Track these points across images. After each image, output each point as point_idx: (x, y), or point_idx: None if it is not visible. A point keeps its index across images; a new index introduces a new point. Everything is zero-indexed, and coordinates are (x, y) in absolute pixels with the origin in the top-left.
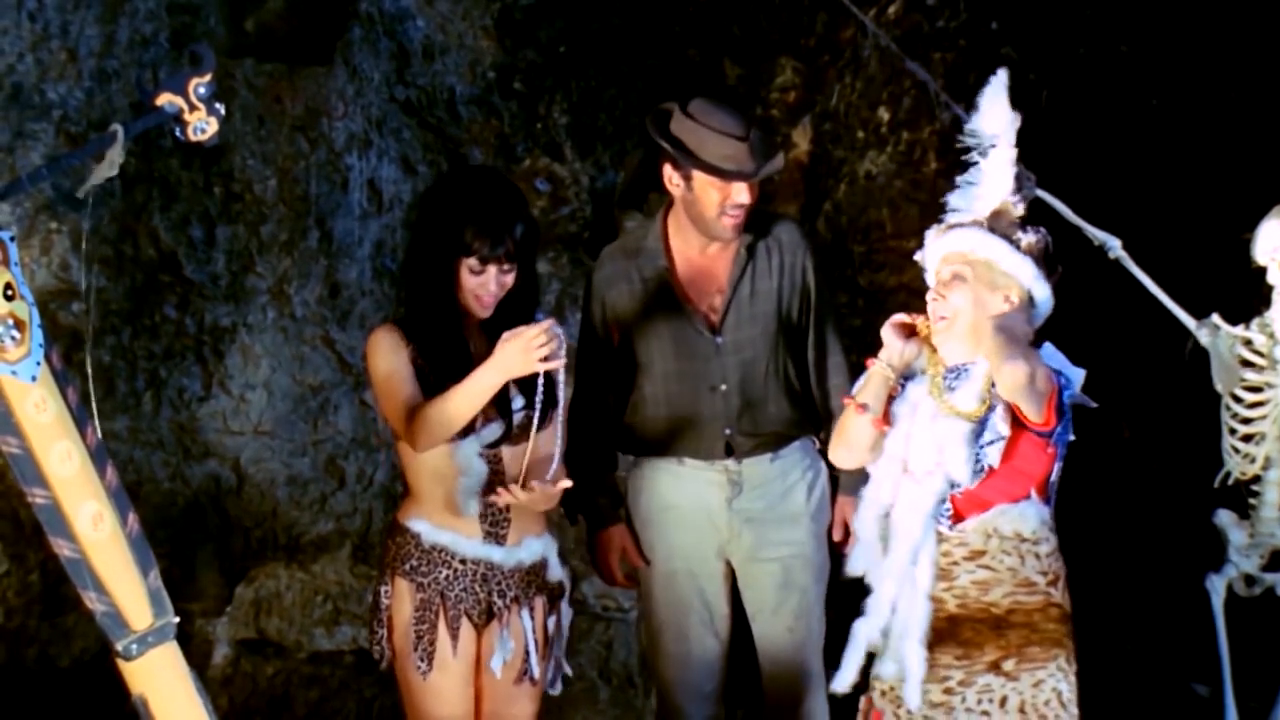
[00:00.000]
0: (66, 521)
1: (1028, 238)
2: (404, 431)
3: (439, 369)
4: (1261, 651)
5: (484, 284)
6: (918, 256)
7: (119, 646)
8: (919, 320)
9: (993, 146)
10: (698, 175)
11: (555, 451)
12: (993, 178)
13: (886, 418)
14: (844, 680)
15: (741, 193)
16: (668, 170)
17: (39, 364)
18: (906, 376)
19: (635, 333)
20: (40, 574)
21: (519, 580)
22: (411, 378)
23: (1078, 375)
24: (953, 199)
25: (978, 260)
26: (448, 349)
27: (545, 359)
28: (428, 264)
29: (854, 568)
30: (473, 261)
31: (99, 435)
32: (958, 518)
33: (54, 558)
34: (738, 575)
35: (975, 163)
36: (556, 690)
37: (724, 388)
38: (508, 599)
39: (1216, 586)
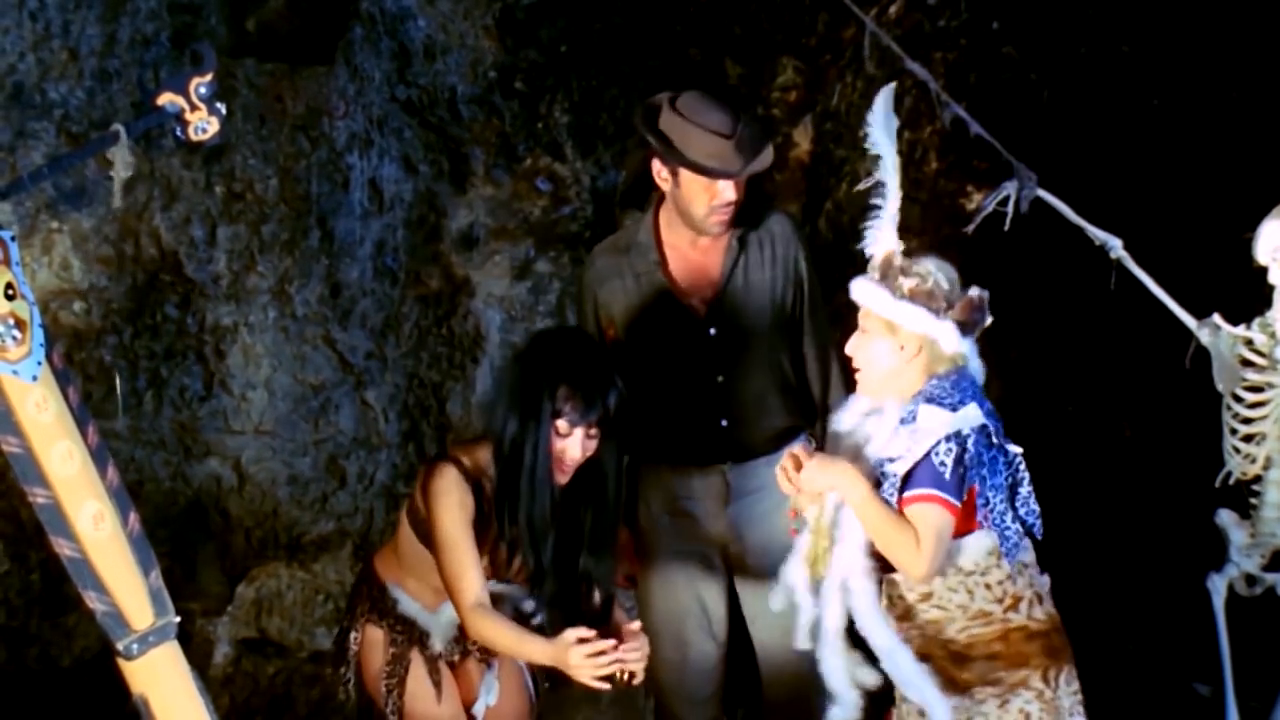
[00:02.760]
0: (67, 521)
1: (909, 283)
2: (460, 609)
3: (510, 529)
4: (1262, 651)
5: (568, 448)
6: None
7: (120, 646)
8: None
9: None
10: (684, 171)
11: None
12: (882, 216)
13: None
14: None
15: (728, 190)
16: (656, 165)
17: (40, 363)
18: None
19: (629, 328)
20: (41, 573)
21: None
22: (472, 542)
23: (964, 419)
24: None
25: (868, 311)
26: (529, 516)
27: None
28: (522, 421)
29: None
30: (562, 424)
31: (100, 435)
32: (888, 566)
33: (55, 557)
34: (736, 580)
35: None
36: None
37: (720, 379)
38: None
39: (1217, 586)
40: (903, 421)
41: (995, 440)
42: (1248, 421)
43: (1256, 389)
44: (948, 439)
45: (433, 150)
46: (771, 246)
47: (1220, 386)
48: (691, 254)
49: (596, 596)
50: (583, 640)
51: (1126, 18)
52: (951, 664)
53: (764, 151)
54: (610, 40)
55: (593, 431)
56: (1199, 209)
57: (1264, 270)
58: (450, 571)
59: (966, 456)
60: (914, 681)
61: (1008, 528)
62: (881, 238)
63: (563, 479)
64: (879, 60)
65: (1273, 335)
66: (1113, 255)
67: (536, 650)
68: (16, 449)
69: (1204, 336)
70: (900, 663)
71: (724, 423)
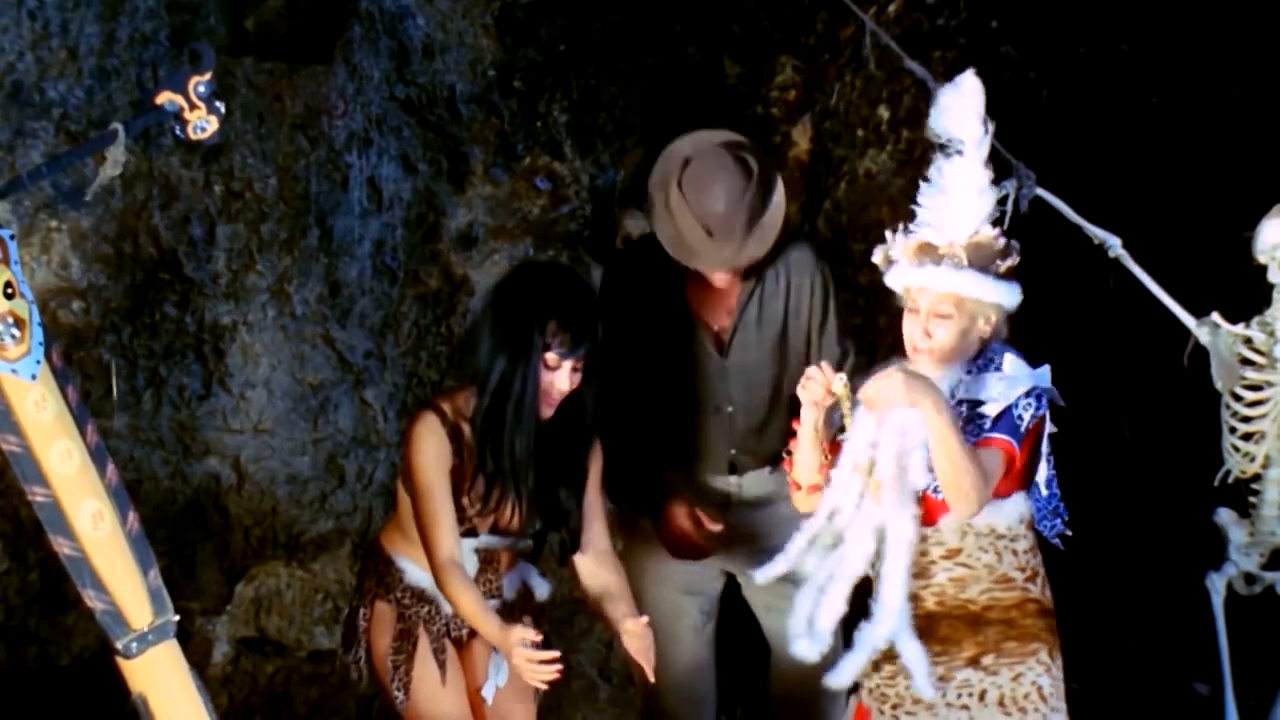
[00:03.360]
0: (66, 520)
1: (1007, 262)
2: (432, 562)
3: (492, 463)
4: (1262, 650)
5: (555, 381)
6: (877, 258)
7: (119, 645)
8: (835, 387)
9: (959, 153)
10: None
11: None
12: (967, 198)
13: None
14: (842, 679)
15: (720, 279)
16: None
17: (39, 362)
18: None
19: (645, 348)
20: (40, 572)
21: (503, 609)
22: (448, 492)
23: (1043, 376)
24: (922, 209)
25: (965, 299)
26: (512, 447)
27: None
28: (512, 356)
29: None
30: (551, 356)
31: (98, 434)
32: (929, 519)
33: (54, 556)
34: (742, 582)
35: (935, 168)
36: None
37: (729, 409)
38: None
39: (1217, 585)
40: (985, 368)
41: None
42: (1247, 420)
43: (1255, 387)
44: (1028, 394)
45: (432, 149)
46: (787, 275)
47: (1219, 385)
48: (708, 284)
49: (565, 532)
50: (529, 643)
51: (1125, 17)
52: (965, 626)
53: (753, 239)
54: (609, 39)
55: (579, 365)
56: (1198, 208)
57: (1263, 269)
58: (425, 520)
59: (1037, 416)
60: (906, 637)
61: (1041, 499)
62: (961, 216)
63: (548, 412)
64: (878, 59)
65: (1272, 334)
66: (1111, 254)
67: (488, 629)
68: (15, 448)
69: (1203, 335)
70: (900, 624)
71: (731, 451)
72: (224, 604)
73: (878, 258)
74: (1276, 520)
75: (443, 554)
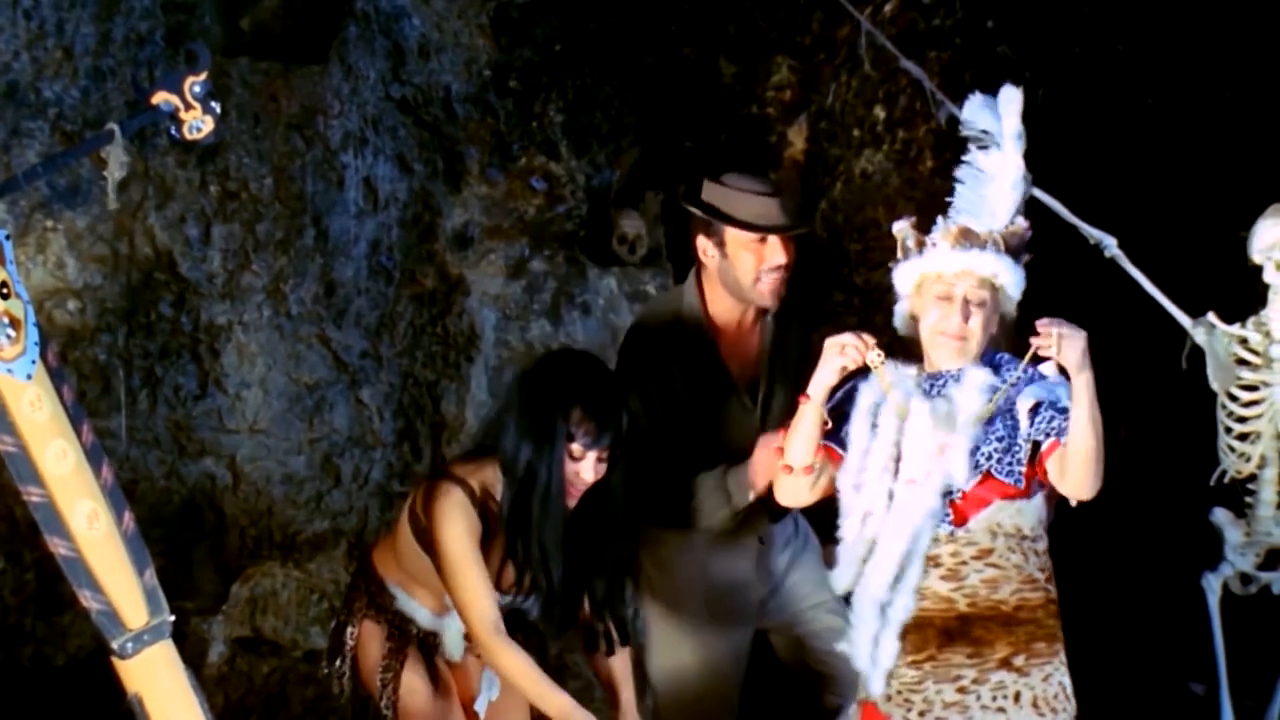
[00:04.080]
0: (62, 520)
1: (1027, 256)
2: (477, 633)
3: (522, 553)
4: (1257, 650)
5: (581, 471)
6: (901, 229)
7: (114, 645)
8: (870, 357)
9: (997, 146)
10: (731, 240)
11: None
12: (1003, 187)
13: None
14: (874, 689)
15: (776, 252)
16: (701, 241)
17: (34, 362)
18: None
19: (678, 404)
20: (36, 572)
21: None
22: (483, 566)
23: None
24: (960, 198)
25: (999, 285)
26: (541, 536)
27: None
28: (536, 445)
29: (842, 581)
30: (576, 447)
31: (94, 434)
32: (960, 519)
33: (49, 556)
34: (775, 619)
35: (971, 159)
36: None
37: None
38: None
39: (1212, 585)
40: (1035, 378)
41: None
42: (1243, 420)
43: (1251, 388)
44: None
45: (427, 149)
46: (798, 328)
47: (1215, 385)
48: (736, 332)
49: (610, 623)
50: None
51: (1121, 17)
52: (998, 627)
53: (810, 217)
54: (605, 39)
55: (604, 455)
56: (1193, 208)
57: (1258, 269)
58: (463, 598)
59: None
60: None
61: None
62: (1002, 204)
63: (572, 502)
64: (874, 59)
65: (1267, 334)
66: (1107, 254)
67: (552, 700)
68: (11, 448)
69: (1199, 335)
70: (910, 572)
71: (762, 499)
72: (219, 604)
73: (908, 236)
74: (1272, 520)
75: (489, 624)
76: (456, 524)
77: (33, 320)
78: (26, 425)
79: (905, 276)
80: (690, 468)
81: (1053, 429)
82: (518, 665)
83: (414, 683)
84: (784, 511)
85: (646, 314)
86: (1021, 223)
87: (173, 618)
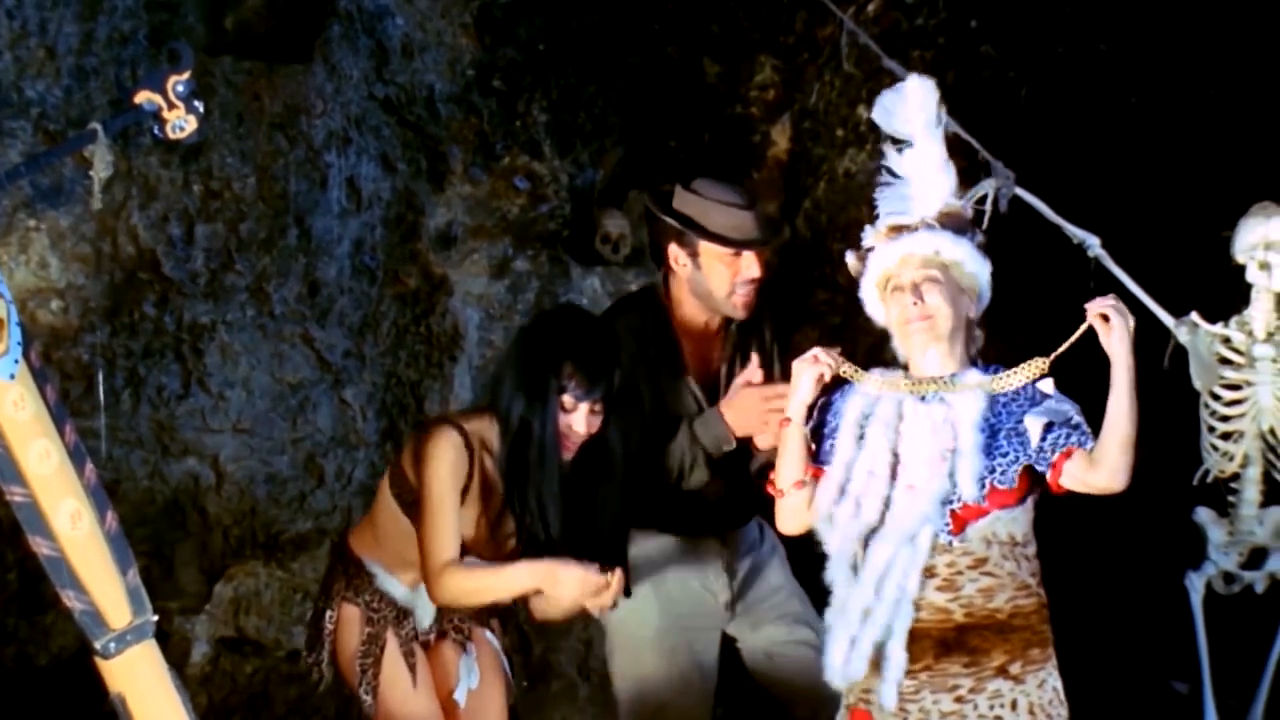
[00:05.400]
0: (45, 519)
1: (979, 238)
2: (429, 571)
3: (519, 505)
4: (1240, 649)
5: (573, 424)
6: (850, 260)
7: (97, 645)
8: (843, 367)
9: (910, 144)
10: (705, 251)
11: None
12: (925, 178)
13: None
14: (888, 700)
15: (751, 266)
16: (673, 250)
17: (17, 362)
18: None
19: (642, 405)
20: (18, 572)
21: (471, 611)
22: (456, 506)
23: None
24: (882, 202)
25: (947, 261)
26: (539, 489)
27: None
28: (529, 398)
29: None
30: (567, 399)
31: (77, 433)
32: (959, 527)
33: (32, 556)
34: (739, 630)
35: (888, 162)
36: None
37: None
38: (466, 627)
39: (1195, 584)
40: (1039, 398)
41: None
42: (1226, 419)
43: (1234, 387)
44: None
45: (411, 148)
46: (762, 333)
47: (1198, 384)
48: (698, 337)
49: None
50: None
51: (1104, 16)
52: (994, 636)
53: (782, 227)
54: (588, 39)
55: (597, 408)
56: (1177, 207)
57: (1241, 268)
58: (428, 530)
59: None
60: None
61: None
62: (926, 195)
63: (567, 455)
64: (857, 59)
65: (1250, 333)
66: (1091, 253)
67: (521, 573)
68: None
69: (1182, 335)
70: (909, 581)
71: (721, 501)
72: (203, 604)
73: (851, 261)
74: (1255, 519)
75: (443, 558)
76: (445, 461)
77: (15, 320)
78: (9, 425)
79: (868, 297)
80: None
81: (1070, 442)
82: (468, 581)
83: (393, 672)
84: (750, 513)
85: (626, 301)
86: (956, 203)
87: (156, 617)
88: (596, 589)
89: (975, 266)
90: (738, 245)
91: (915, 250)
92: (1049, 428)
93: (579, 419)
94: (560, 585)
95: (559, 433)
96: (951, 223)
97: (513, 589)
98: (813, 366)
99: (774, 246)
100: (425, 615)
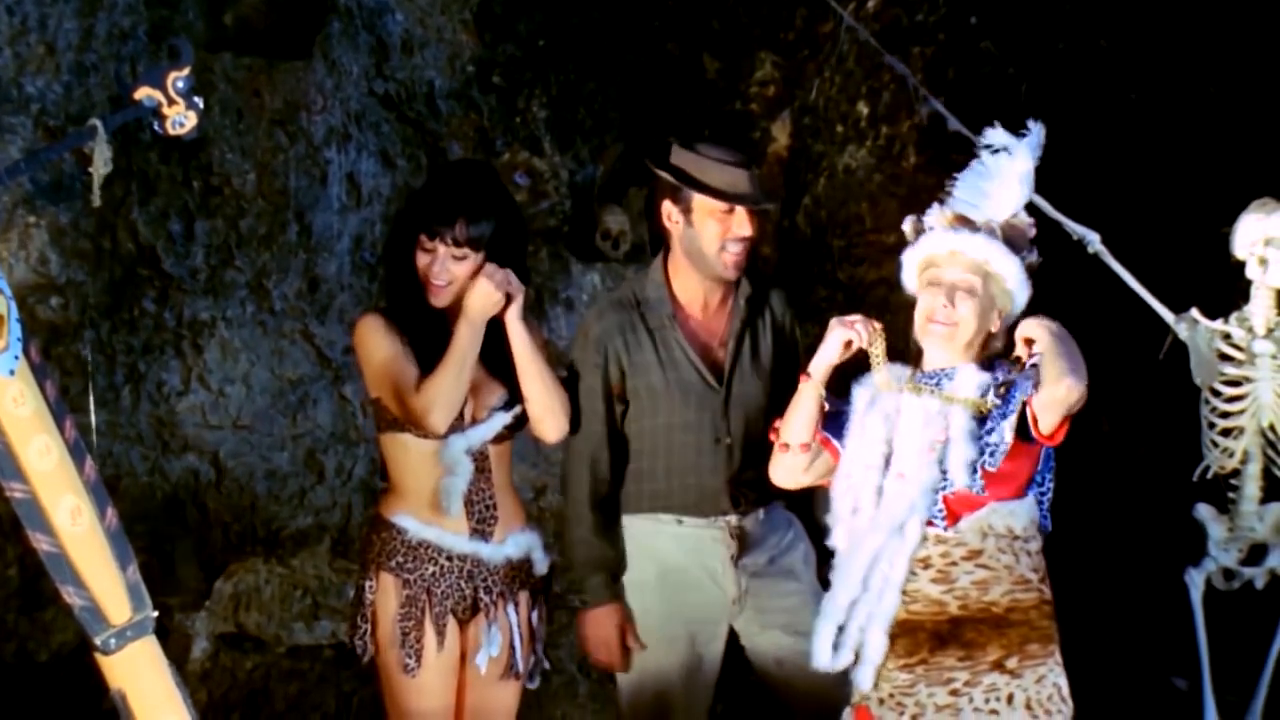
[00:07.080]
0: (45, 516)
1: (1031, 258)
2: (417, 409)
3: (423, 350)
4: (1240, 645)
5: (432, 265)
6: (907, 226)
7: (97, 641)
8: (874, 345)
9: (1008, 152)
10: (698, 207)
11: None
12: (1009, 182)
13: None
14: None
15: (743, 224)
16: (666, 206)
17: (17, 358)
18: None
19: (640, 384)
20: (18, 568)
21: (504, 575)
22: (410, 358)
23: None
24: (960, 188)
25: (991, 273)
26: (427, 329)
27: (508, 296)
28: (394, 241)
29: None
30: (422, 237)
31: (77, 430)
32: (953, 518)
33: (32, 552)
34: (745, 628)
35: (978, 156)
36: (534, 684)
37: (728, 440)
38: (494, 594)
39: (1195, 580)
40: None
41: None
42: (1226, 416)
43: (1234, 383)
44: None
45: (411, 145)
46: (772, 314)
47: (1198, 381)
48: (702, 312)
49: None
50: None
51: (1104, 13)
52: (989, 629)
53: (778, 192)
54: (588, 35)
55: (459, 252)
56: (1177, 203)
57: (1241, 264)
58: (397, 387)
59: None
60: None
61: (1043, 500)
62: (1003, 198)
63: (436, 300)
64: (857, 55)
65: (1250, 330)
66: (1091, 249)
67: (461, 334)
68: None
69: (1182, 331)
70: (894, 571)
71: (729, 484)
72: (203, 600)
73: (907, 227)
74: (1255, 515)
75: (412, 389)
76: (373, 334)
77: (15, 316)
78: (9, 421)
79: (908, 269)
80: (648, 440)
81: (1029, 386)
82: (432, 381)
83: (425, 643)
84: (770, 495)
85: (611, 295)
86: (1026, 218)
87: (156, 613)
88: (491, 281)
89: (1016, 286)
90: (729, 199)
91: (967, 251)
92: (1009, 388)
93: (438, 261)
94: (476, 305)
95: (418, 271)
96: (1012, 235)
97: (466, 345)
98: (844, 329)
99: (769, 229)
100: (455, 500)
